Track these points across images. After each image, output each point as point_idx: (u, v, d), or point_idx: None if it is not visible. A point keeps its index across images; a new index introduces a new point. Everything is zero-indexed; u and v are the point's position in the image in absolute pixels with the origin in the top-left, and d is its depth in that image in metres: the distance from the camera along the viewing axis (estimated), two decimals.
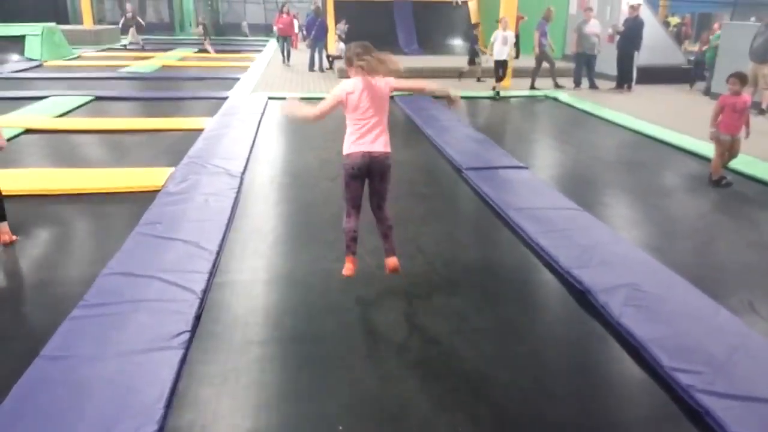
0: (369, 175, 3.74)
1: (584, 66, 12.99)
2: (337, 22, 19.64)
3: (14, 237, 4.77)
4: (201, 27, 22.44)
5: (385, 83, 3.76)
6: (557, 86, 12.87)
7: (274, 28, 18.53)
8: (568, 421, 2.81)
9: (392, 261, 3.87)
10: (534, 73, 12.96)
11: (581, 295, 3.91)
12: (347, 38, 18.46)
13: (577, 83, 13.13)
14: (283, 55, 17.26)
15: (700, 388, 2.88)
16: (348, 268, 3.84)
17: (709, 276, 4.28)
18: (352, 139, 3.71)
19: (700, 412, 2.77)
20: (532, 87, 12.73)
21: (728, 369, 3.05)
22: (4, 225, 4.75)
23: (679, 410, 2.85)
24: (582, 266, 4.17)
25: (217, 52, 20.76)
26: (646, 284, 3.92)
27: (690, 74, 13.57)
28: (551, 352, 3.43)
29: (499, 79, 11.80)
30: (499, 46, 11.43)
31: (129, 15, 21.52)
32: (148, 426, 2.55)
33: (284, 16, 17.33)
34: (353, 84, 3.76)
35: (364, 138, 3.68)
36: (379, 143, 3.70)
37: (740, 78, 6.30)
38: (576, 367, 3.28)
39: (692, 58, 13.92)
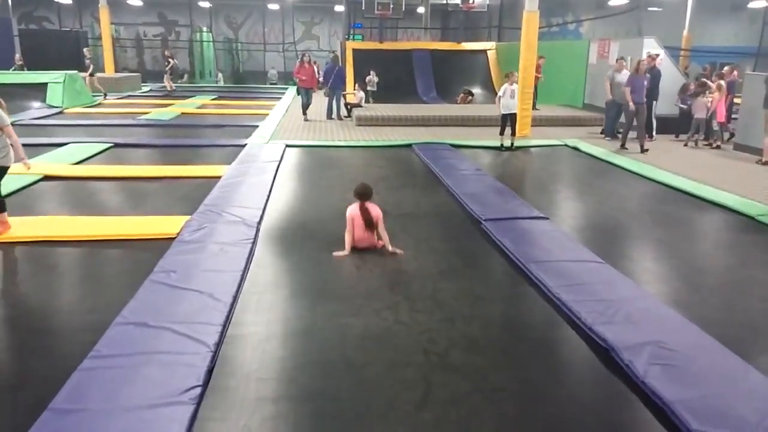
0: None
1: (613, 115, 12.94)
2: (356, 70, 19.95)
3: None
4: (169, 63, 22.13)
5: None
6: (623, 147, 11.63)
7: (296, 79, 16.65)
8: None
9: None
10: (625, 130, 11.81)
11: (605, 353, 3.78)
12: (378, 89, 18.71)
13: (609, 133, 12.98)
14: (304, 110, 15.49)
15: None
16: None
17: (738, 334, 4.13)
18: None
19: None
20: (623, 146, 11.64)
21: None
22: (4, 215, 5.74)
23: None
24: (605, 322, 4.05)
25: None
26: (673, 342, 3.78)
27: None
28: (574, 413, 3.29)
29: (512, 131, 11.73)
30: (507, 99, 11.47)
31: (87, 61, 20.73)
32: None
33: (306, 65, 15.42)
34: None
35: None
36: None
37: None
38: (599, 429, 3.14)
39: (682, 106, 13.34)
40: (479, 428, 3.09)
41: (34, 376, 3.53)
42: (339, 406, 3.24)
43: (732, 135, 12.26)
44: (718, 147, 11.97)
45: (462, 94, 20.21)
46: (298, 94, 16.19)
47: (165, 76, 22.02)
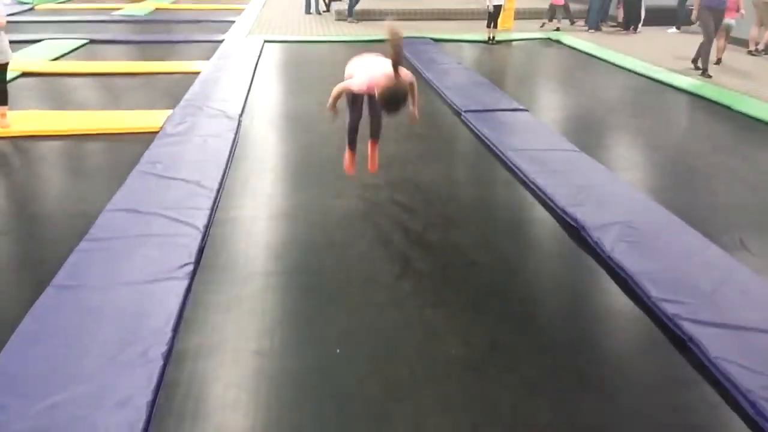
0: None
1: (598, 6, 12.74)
2: None
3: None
4: None
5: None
6: (705, 73, 8.72)
7: None
8: (558, 347, 2.93)
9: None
10: (703, 53, 8.83)
11: (576, 232, 4.00)
12: None
13: (592, 25, 12.83)
14: (320, 2, 15.23)
15: (685, 317, 3.00)
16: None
17: (703, 215, 4.35)
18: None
19: (684, 339, 2.90)
20: (705, 73, 8.74)
21: (714, 300, 3.16)
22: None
23: (665, 338, 2.97)
24: (577, 204, 4.24)
25: None
26: (640, 222, 4.00)
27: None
28: (544, 284, 3.56)
29: (494, 24, 11.54)
30: None
31: None
32: (157, 347, 2.67)
33: None
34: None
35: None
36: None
37: None
38: (567, 298, 3.41)
39: None
40: (453, 297, 3.32)
41: (33, 258, 3.69)
42: (323, 279, 3.46)
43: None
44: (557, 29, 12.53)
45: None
46: None
47: None
